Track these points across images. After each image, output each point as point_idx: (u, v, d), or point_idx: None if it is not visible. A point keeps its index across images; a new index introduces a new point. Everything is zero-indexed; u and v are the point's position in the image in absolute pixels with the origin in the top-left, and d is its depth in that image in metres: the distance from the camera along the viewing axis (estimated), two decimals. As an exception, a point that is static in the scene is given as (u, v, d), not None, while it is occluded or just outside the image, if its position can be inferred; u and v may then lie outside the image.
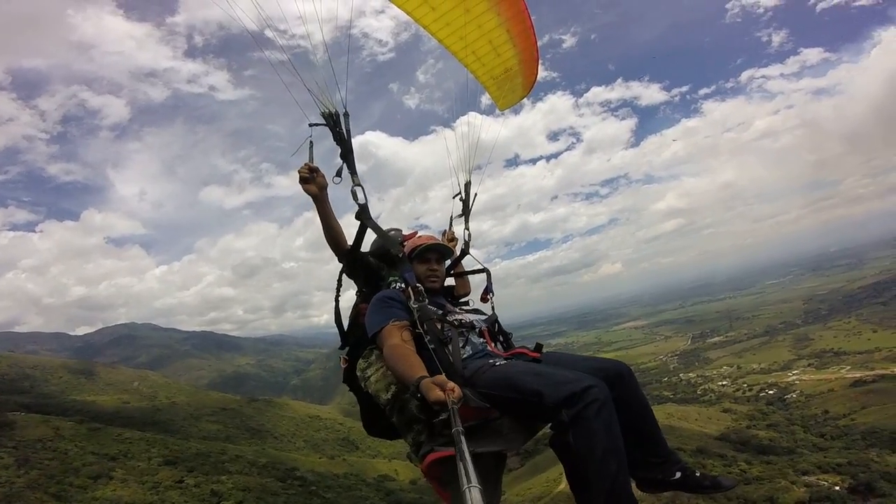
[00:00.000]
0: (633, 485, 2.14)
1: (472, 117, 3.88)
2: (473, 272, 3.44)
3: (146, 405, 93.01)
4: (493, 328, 2.77)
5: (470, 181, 3.87)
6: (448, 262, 3.24)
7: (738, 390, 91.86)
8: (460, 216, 3.80)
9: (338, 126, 2.77)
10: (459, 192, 3.84)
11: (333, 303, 2.95)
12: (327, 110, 2.75)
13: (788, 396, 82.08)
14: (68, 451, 53.26)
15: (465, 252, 3.58)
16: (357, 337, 2.82)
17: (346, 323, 2.96)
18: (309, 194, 2.68)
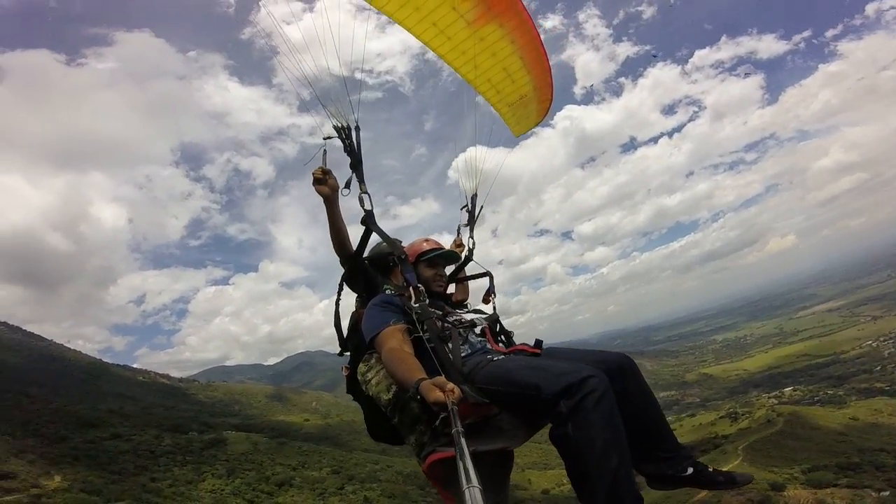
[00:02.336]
0: (644, 482, 2.18)
1: (475, 147, 4.00)
2: (476, 276, 3.53)
3: (321, 422, 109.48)
4: (495, 327, 2.79)
5: (476, 194, 4.00)
6: (452, 267, 3.40)
7: None
8: (467, 225, 3.92)
9: (349, 138, 2.94)
10: (466, 204, 3.96)
11: (333, 307, 3.05)
12: (340, 124, 2.93)
13: None
14: (262, 462, 65.49)
15: (468, 259, 3.68)
16: (356, 343, 2.87)
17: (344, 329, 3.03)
18: (321, 195, 2.79)
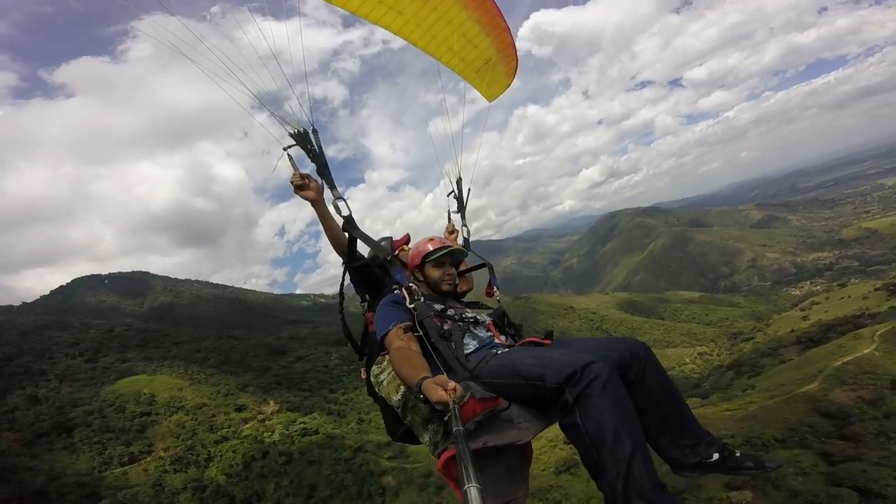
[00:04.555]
0: (668, 470, 2.15)
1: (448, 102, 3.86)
2: (475, 268, 3.36)
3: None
4: (501, 321, 2.76)
5: (461, 177, 3.81)
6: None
7: None
8: (457, 212, 3.77)
9: (309, 143, 2.80)
10: (453, 190, 3.81)
11: (340, 315, 3.06)
12: (296, 130, 2.79)
13: None
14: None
15: (465, 248, 3.56)
16: (370, 348, 2.87)
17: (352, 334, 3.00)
18: (308, 200, 2.78)
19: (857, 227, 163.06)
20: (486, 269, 3.27)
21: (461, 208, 3.76)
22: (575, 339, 2.42)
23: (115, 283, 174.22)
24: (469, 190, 3.82)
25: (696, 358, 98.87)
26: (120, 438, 54.18)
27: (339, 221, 2.84)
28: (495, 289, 3.13)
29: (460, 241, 3.64)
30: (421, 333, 2.37)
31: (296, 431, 57.92)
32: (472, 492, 1.13)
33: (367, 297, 3.07)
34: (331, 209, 2.84)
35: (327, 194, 2.86)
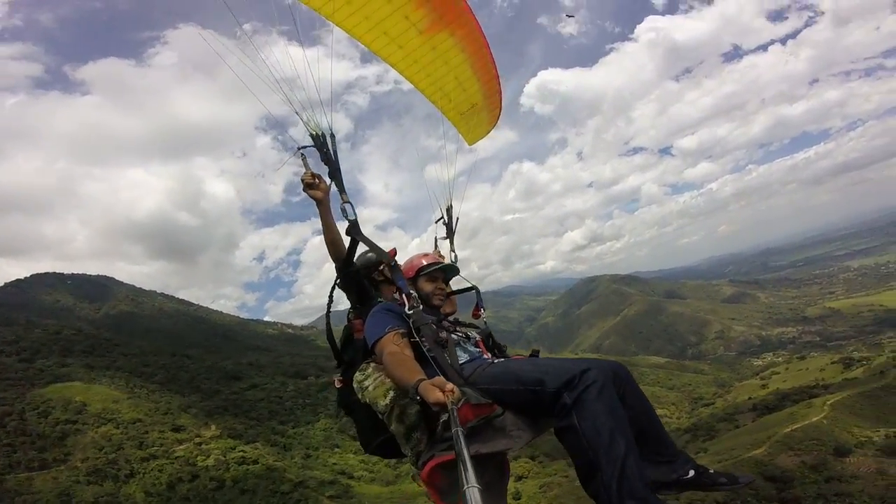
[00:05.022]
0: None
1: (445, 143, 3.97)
2: (463, 290, 3.42)
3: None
4: (487, 341, 2.85)
5: (451, 205, 3.97)
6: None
7: None
8: (445, 238, 3.88)
9: (325, 147, 2.90)
10: (442, 217, 3.93)
11: (325, 319, 3.05)
12: (315, 132, 2.89)
13: None
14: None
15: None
16: (350, 356, 2.84)
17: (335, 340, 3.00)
18: (315, 199, 2.86)
19: (821, 306, 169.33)
20: (471, 294, 3.43)
21: (450, 234, 3.88)
22: (558, 359, 2.47)
23: (76, 285, 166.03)
24: (458, 219, 3.96)
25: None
26: (35, 444, 49.93)
27: (345, 225, 2.89)
28: (482, 310, 3.27)
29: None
30: (416, 340, 2.40)
31: (233, 459, 55.00)
32: (474, 493, 1.10)
33: (356, 304, 3.05)
34: (335, 213, 2.91)
35: (334, 198, 2.94)
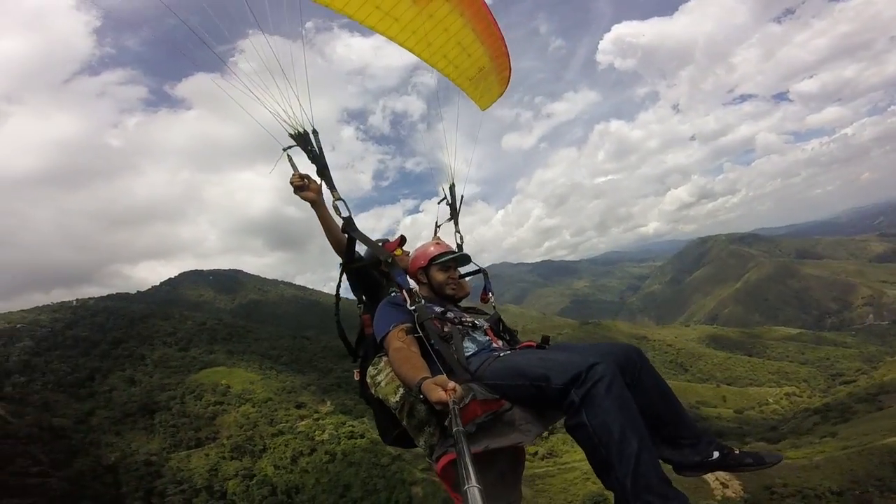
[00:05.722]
0: (671, 470, 2.16)
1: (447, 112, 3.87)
2: (470, 274, 3.30)
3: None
4: (497, 327, 2.80)
5: (454, 183, 3.85)
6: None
7: None
8: (449, 220, 3.79)
9: (309, 144, 2.79)
10: (445, 197, 3.82)
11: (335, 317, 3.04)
12: (296, 131, 2.79)
13: None
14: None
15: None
16: (365, 350, 2.86)
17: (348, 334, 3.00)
18: (308, 201, 2.80)
19: None
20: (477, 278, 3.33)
21: (454, 215, 3.79)
22: (571, 344, 2.52)
23: (215, 279, 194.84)
24: (462, 197, 3.86)
25: (781, 398, 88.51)
26: (192, 424, 60.87)
27: (339, 223, 2.86)
28: (490, 294, 3.20)
29: (454, 248, 3.76)
30: (421, 335, 2.39)
31: (343, 433, 61.06)
32: (474, 492, 1.10)
33: (363, 298, 3.07)
34: (331, 210, 2.86)
35: (327, 195, 2.86)
